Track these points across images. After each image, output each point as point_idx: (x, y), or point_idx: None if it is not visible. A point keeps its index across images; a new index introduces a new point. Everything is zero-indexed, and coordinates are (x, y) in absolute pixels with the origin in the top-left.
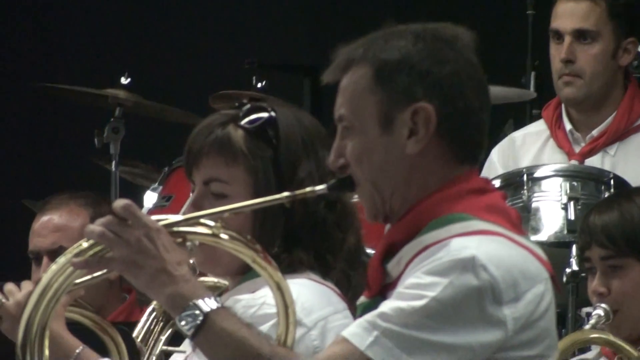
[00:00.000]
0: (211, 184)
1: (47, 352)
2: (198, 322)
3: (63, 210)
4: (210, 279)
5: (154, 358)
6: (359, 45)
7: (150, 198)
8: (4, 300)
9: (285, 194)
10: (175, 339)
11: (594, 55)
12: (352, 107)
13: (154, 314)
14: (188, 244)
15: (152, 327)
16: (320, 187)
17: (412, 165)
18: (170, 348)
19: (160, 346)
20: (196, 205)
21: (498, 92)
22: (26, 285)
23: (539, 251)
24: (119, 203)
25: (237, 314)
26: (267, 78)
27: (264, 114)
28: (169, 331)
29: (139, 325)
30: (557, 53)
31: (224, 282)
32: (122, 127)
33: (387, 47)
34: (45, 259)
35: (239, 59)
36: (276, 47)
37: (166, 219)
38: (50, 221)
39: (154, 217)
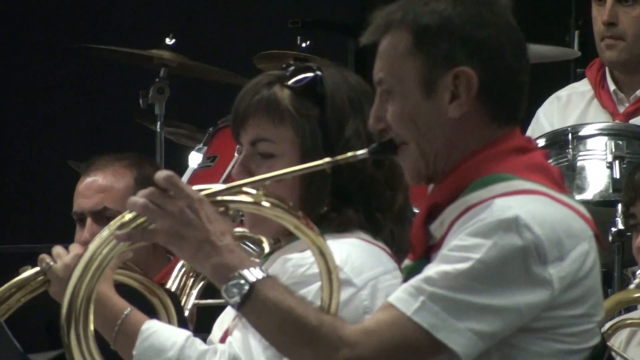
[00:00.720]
0: (258, 144)
1: (92, 326)
2: (244, 292)
3: (107, 171)
4: (241, 229)
5: (187, 312)
6: (398, 8)
7: (195, 158)
8: (52, 263)
9: (326, 159)
10: (207, 293)
11: (636, 17)
12: (392, 72)
13: (184, 268)
14: (230, 212)
15: (183, 282)
16: (361, 152)
17: (454, 128)
18: (202, 302)
19: (192, 300)
20: (244, 166)
21: (542, 51)
22: (74, 248)
23: (582, 209)
24: (161, 174)
25: (283, 284)
26: (311, 37)
27: (310, 74)
28: (200, 285)
29: (170, 280)
30: (598, 15)
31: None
32: (166, 87)
33: (426, 10)
34: (89, 220)
35: (283, 19)
36: (320, 6)
37: (208, 189)
38: (94, 182)
39: (196, 187)
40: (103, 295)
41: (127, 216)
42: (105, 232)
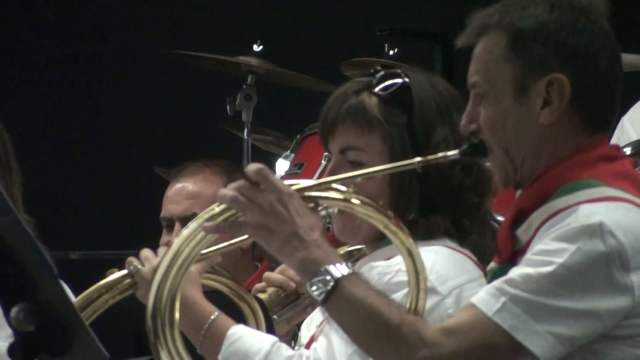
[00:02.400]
0: (347, 152)
1: (177, 317)
2: (329, 287)
3: (197, 177)
4: (344, 247)
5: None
6: (495, 11)
7: (282, 165)
8: (140, 266)
9: (417, 159)
10: None
11: None
12: (486, 75)
13: None
14: (323, 212)
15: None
16: (452, 153)
17: (544, 134)
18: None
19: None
20: (333, 174)
21: (629, 59)
22: (162, 251)
23: None
24: (252, 167)
25: (368, 281)
26: (398, 45)
27: (398, 80)
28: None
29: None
30: None
31: (359, 247)
32: (254, 94)
33: (522, 14)
34: (177, 225)
35: (371, 26)
36: (408, 14)
37: (298, 184)
38: (184, 188)
39: (286, 182)
40: (191, 299)
41: (216, 208)
42: (193, 225)
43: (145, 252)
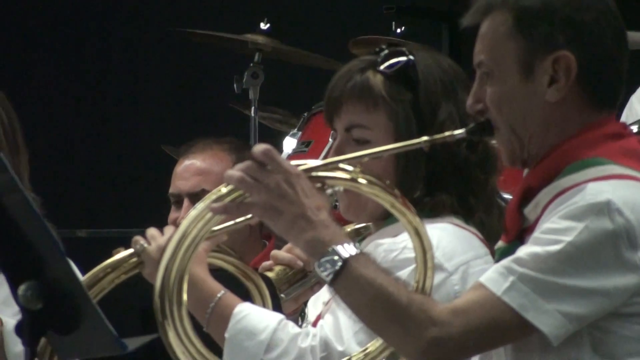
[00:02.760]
0: (352, 130)
1: (185, 298)
2: (337, 268)
3: (206, 154)
4: (351, 225)
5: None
6: None
7: (289, 144)
8: (146, 245)
9: (424, 138)
10: None
11: None
12: (492, 54)
13: None
14: (329, 191)
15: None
16: (459, 132)
17: (551, 112)
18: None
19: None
20: (339, 152)
21: (637, 37)
22: (168, 230)
23: None
24: (259, 148)
25: (376, 261)
26: (405, 23)
27: (403, 58)
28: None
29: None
30: None
31: (366, 225)
32: (261, 72)
33: None
34: (186, 202)
35: (378, 4)
36: None
37: (305, 164)
38: (193, 164)
39: (293, 162)
40: (197, 278)
41: (224, 189)
42: (200, 205)
43: (152, 231)
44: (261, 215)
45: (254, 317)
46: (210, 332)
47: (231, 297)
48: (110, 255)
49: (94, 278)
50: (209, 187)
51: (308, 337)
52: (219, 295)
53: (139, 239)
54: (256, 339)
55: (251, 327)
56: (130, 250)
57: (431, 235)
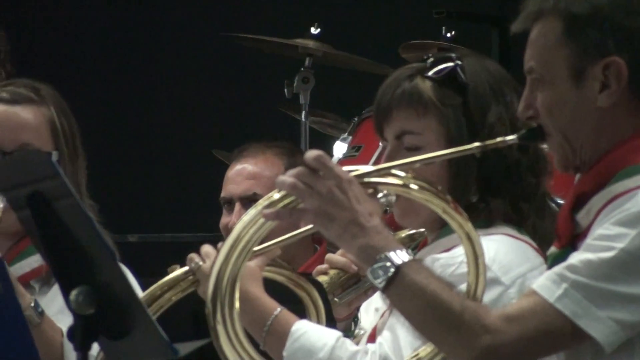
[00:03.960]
0: (404, 137)
1: (237, 303)
2: (389, 274)
3: (258, 158)
4: (405, 231)
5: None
6: None
7: (339, 148)
8: (200, 262)
9: (476, 144)
10: None
11: None
12: (542, 60)
13: None
14: (382, 199)
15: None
16: (510, 137)
17: (602, 118)
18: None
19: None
20: (390, 160)
21: None
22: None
23: None
24: (311, 154)
25: (428, 267)
26: (455, 28)
27: (450, 63)
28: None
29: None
30: None
31: (421, 230)
32: (311, 77)
33: None
34: (237, 206)
35: (428, 9)
36: None
37: (357, 170)
38: (245, 169)
39: (345, 168)
40: (252, 296)
41: (276, 195)
42: (252, 211)
43: (206, 248)
44: (313, 222)
45: (312, 335)
46: (268, 351)
47: (288, 314)
48: (161, 261)
49: (151, 296)
50: (260, 191)
51: (367, 354)
52: (275, 313)
53: (193, 256)
54: (315, 357)
55: (309, 345)
56: (185, 268)
57: (487, 248)
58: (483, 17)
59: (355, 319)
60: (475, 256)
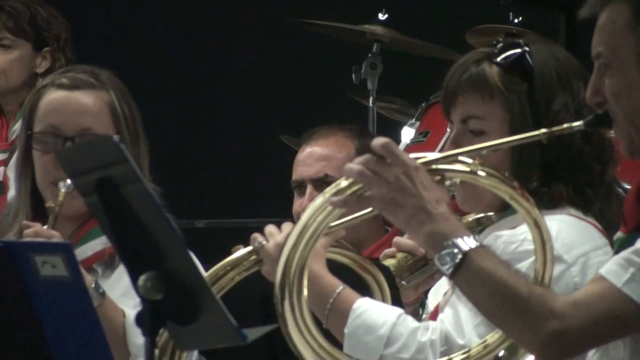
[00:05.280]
0: (469, 121)
1: (305, 291)
2: (457, 261)
3: (329, 140)
4: (472, 215)
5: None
6: None
7: (407, 134)
8: (264, 242)
9: (542, 130)
10: None
11: None
12: (610, 46)
13: None
14: (447, 182)
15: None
16: (577, 124)
17: None
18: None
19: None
20: (455, 143)
21: None
22: (286, 226)
23: None
24: (378, 141)
25: (495, 253)
26: (523, 13)
27: (518, 50)
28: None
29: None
30: None
31: (489, 214)
32: (379, 63)
33: None
34: (309, 187)
35: None
36: None
37: (424, 157)
38: (315, 151)
39: (412, 155)
40: (316, 274)
41: (343, 183)
42: (319, 199)
43: (270, 228)
44: (381, 209)
45: (373, 312)
46: (330, 328)
47: (350, 292)
48: (228, 247)
49: (214, 276)
50: (331, 172)
51: (428, 331)
52: (337, 290)
53: (257, 236)
54: (376, 334)
55: (370, 322)
56: (249, 248)
57: (550, 226)
58: (550, 3)
59: (422, 302)
60: (543, 242)
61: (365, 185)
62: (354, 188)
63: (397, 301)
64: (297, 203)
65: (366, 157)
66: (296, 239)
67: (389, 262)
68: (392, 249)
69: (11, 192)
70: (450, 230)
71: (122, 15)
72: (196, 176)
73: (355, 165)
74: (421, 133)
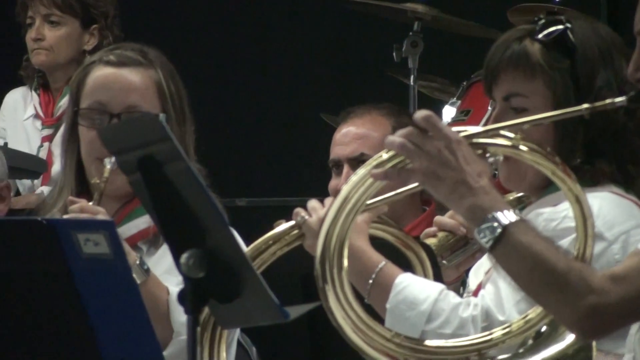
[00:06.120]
0: (511, 98)
1: (345, 263)
2: (496, 234)
3: (365, 119)
4: (513, 194)
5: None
6: None
7: (448, 112)
8: (306, 217)
9: (585, 105)
10: None
11: None
12: None
13: None
14: (491, 159)
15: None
16: (619, 99)
17: None
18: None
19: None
20: (497, 121)
21: None
22: (329, 201)
23: None
24: (420, 114)
25: (535, 228)
26: None
27: (560, 26)
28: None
29: None
30: None
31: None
32: (420, 41)
33: None
34: (345, 167)
35: None
36: None
37: (466, 130)
38: (351, 130)
39: (454, 129)
40: (358, 249)
41: (384, 155)
42: (361, 171)
43: (312, 203)
44: (422, 182)
45: (415, 287)
46: (372, 303)
47: (392, 267)
48: (269, 225)
49: (256, 250)
50: (368, 151)
51: (469, 306)
52: (380, 266)
53: (299, 210)
54: (417, 309)
55: (412, 298)
56: (291, 223)
57: (592, 204)
58: None
59: (463, 282)
60: (584, 219)
61: (406, 158)
62: (395, 161)
63: (438, 279)
64: (333, 182)
65: (408, 129)
66: (337, 212)
67: (430, 241)
68: (433, 228)
69: (55, 168)
70: (490, 203)
71: None
72: (238, 155)
73: (396, 137)
74: (462, 112)
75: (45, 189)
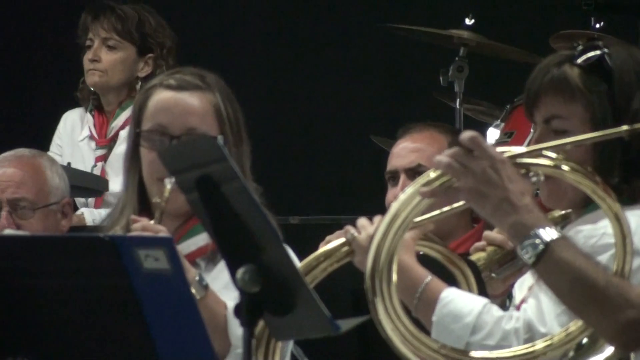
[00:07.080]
0: (552, 121)
1: (394, 278)
2: (538, 250)
3: (423, 134)
4: (556, 212)
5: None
6: None
7: (492, 134)
8: (356, 234)
9: (624, 127)
10: None
11: None
12: None
13: None
14: (534, 178)
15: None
16: None
17: None
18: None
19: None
20: (539, 143)
21: None
22: (377, 219)
23: None
24: (466, 135)
25: (576, 244)
26: (604, 19)
27: (597, 51)
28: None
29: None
30: None
31: (570, 211)
32: (466, 66)
33: None
34: (402, 177)
35: (578, 0)
36: None
37: (510, 151)
38: (410, 144)
39: (499, 149)
40: (406, 265)
41: (432, 174)
42: (410, 189)
43: (362, 221)
44: (467, 199)
45: (460, 301)
46: (418, 316)
47: (438, 282)
48: (320, 242)
49: (308, 266)
50: (425, 162)
51: (512, 319)
52: (426, 280)
53: (349, 228)
54: (462, 322)
55: (457, 311)
56: (342, 240)
57: (630, 221)
58: (631, 8)
59: (509, 296)
60: (623, 236)
61: (453, 177)
62: (443, 179)
63: (482, 294)
64: (390, 193)
65: (454, 149)
66: (387, 227)
67: (479, 255)
68: (483, 243)
69: (111, 187)
70: (533, 221)
71: (222, 25)
72: (291, 174)
73: (444, 157)
74: (506, 134)
75: (85, 210)
